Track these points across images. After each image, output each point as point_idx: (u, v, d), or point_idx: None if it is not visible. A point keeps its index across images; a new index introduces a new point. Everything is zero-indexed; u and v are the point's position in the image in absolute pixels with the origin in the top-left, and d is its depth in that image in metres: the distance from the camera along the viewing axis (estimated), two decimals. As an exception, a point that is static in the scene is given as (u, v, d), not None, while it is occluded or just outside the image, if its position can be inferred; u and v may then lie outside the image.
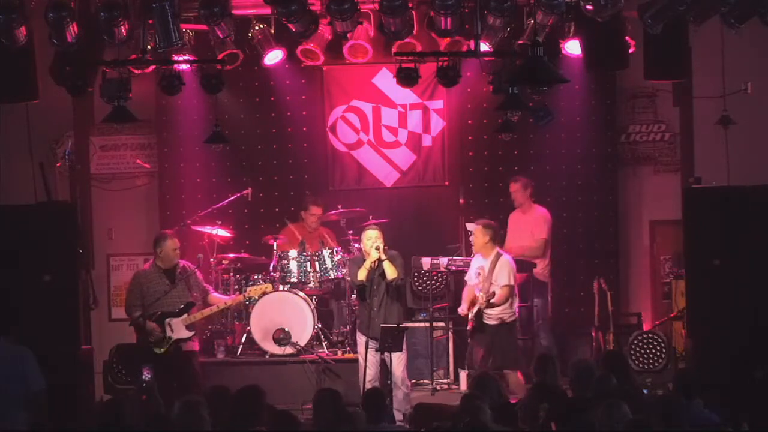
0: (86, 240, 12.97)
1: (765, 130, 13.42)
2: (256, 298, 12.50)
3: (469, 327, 11.77)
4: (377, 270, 11.46)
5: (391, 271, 11.40)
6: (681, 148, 13.58)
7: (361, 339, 11.55)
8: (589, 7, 10.96)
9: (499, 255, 11.79)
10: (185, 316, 11.53)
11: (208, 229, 13.17)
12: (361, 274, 11.47)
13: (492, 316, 11.64)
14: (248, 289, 12.31)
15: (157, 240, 11.72)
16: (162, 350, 11.46)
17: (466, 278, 12.08)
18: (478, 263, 11.92)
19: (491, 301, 11.54)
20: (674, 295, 13.27)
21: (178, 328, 11.53)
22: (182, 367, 11.46)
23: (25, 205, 11.38)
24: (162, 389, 9.90)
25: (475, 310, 11.61)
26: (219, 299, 11.98)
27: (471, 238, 12.20)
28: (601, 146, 14.10)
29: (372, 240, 11.48)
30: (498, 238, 12.05)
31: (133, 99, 11.24)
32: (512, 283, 11.69)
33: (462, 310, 11.87)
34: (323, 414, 8.11)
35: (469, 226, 12.94)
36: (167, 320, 11.49)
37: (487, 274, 11.72)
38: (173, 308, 11.51)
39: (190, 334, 11.60)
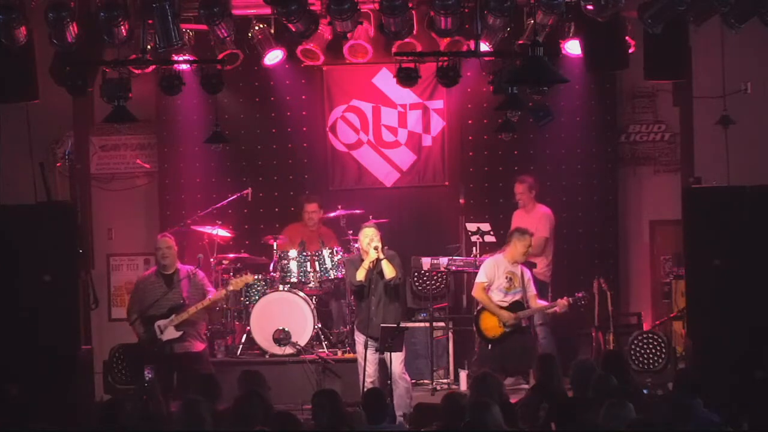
0: (86, 240, 12.96)
1: (765, 130, 13.42)
2: (239, 290, 12.55)
3: None
4: (375, 269, 11.45)
5: (389, 271, 11.38)
6: (681, 148, 13.55)
7: (359, 338, 11.54)
8: (589, 7, 10.96)
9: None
10: (173, 317, 11.67)
11: (208, 229, 13.17)
12: (360, 274, 11.44)
13: None
14: (230, 282, 12.29)
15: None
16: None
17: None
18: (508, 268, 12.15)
19: None
20: (674, 295, 13.26)
21: (168, 330, 11.68)
22: (181, 369, 11.53)
23: (25, 205, 11.36)
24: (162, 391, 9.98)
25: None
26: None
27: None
28: (601, 146, 14.10)
29: (369, 238, 11.45)
30: None
31: (133, 99, 11.25)
32: None
33: None
34: (323, 414, 8.12)
35: (469, 226, 12.93)
36: (157, 323, 11.68)
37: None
38: (163, 311, 11.73)
39: (179, 334, 11.72)
